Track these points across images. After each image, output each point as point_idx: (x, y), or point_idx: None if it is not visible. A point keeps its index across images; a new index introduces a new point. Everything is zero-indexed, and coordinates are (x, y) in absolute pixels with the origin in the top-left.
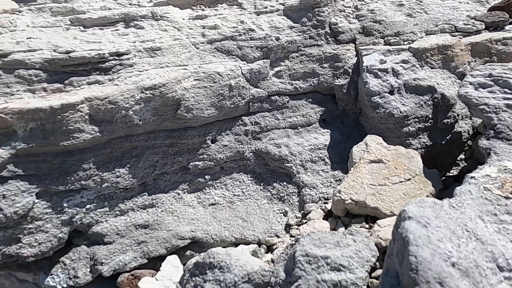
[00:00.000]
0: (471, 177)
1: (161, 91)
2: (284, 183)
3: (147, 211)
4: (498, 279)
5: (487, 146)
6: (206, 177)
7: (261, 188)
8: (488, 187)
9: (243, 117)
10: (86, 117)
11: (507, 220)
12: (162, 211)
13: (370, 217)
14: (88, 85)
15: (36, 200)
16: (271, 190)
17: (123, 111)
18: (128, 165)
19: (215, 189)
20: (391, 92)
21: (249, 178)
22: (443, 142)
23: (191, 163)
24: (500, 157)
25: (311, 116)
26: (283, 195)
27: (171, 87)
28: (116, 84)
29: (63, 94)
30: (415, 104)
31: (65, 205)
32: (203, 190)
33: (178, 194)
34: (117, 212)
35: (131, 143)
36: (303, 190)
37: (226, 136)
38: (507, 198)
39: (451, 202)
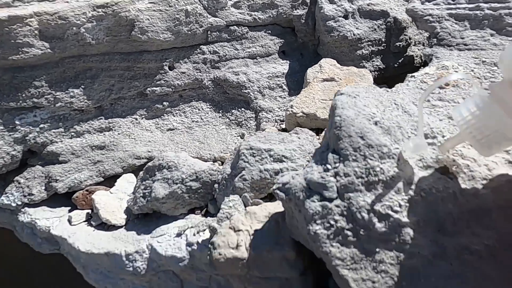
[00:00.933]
0: (411, 76)
1: (114, 9)
2: (242, 109)
3: (104, 134)
4: None
5: (430, 53)
6: (164, 103)
7: (220, 115)
8: (425, 80)
9: (201, 46)
10: (36, 32)
11: (439, 105)
12: (119, 134)
13: (321, 130)
14: (38, 2)
15: None
16: (230, 116)
17: (74, 28)
18: (82, 86)
19: (174, 116)
20: (346, 17)
21: (208, 106)
22: (396, 65)
23: (148, 89)
24: (440, 60)
25: (270, 47)
26: (241, 120)
27: (124, 6)
28: (67, 1)
29: (12, 9)
30: (369, 28)
31: (17, 122)
32: (162, 116)
33: (136, 119)
34: (73, 133)
35: (85, 64)
36: (260, 114)
37: (184, 64)
38: (440, 87)
39: (386, 89)
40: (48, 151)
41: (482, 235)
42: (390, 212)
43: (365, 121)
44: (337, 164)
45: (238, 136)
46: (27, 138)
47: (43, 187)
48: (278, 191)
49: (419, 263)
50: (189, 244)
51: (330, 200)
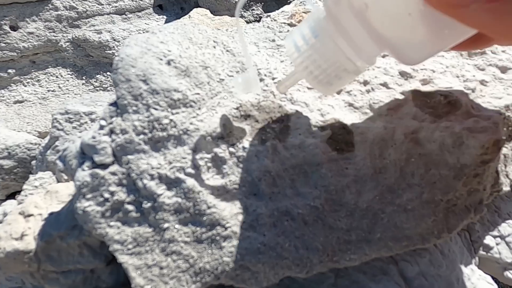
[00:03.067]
0: (267, 16)
1: None
2: (109, 73)
3: None
4: None
5: None
6: (10, 71)
7: (83, 82)
8: (276, 18)
9: (53, 1)
10: None
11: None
12: None
13: None
14: None
15: None
16: (94, 83)
17: None
18: None
19: (24, 86)
20: None
21: (69, 72)
22: None
23: None
24: None
25: (143, 1)
26: (106, 85)
27: None
28: None
29: None
30: None
31: None
32: (8, 87)
33: None
34: None
35: None
36: None
37: (33, 23)
38: (291, 25)
39: (214, 28)
40: None
41: (307, 195)
42: (182, 176)
43: (154, 60)
44: (113, 119)
45: None
46: None
47: None
48: (58, 161)
49: (221, 239)
50: None
51: (104, 166)
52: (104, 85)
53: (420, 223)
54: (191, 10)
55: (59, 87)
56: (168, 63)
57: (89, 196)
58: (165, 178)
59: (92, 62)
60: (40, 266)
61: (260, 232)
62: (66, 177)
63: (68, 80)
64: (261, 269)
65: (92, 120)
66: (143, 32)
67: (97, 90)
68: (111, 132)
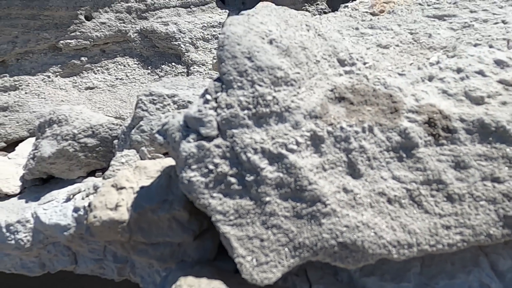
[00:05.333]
0: (344, 6)
1: None
2: (173, 63)
3: (8, 94)
4: (337, 72)
5: None
6: (83, 59)
7: (149, 71)
8: (356, 7)
9: None
10: None
11: (369, 33)
12: (26, 93)
13: None
14: None
15: None
16: (159, 72)
17: None
18: None
19: (95, 73)
20: None
21: (135, 62)
22: None
23: (62, 41)
24: None
25: None
26: (171, 76)
27: None
28: None
29: None
30: None
31: None
32: (80, 74)
33: (48, 77)
34: None
35: None
36: (191, 68)
37: (105, 13)
38: (373, 14)
39: (304, 13)
40: None
41: (403, 178)
42: (284, 151)
43: (257, 38)
44: (218, 94)
45: None
46: None
47: None
48: (157, 135)
49: (320, 215)
50: (75, 210)
51: (209, 138)
52: (168, 75)
53: None
54: (252, 4)
55: (127, 76)
56: (270, 42)
57: (194, 167)
58: (268, 153)
59: (157, 52)
60: (131, 236)
61: (358, 211)
62: (149, 156)
63: (134, 69)
64: (359, 248)
65: (175, 102)
66: (207, 25)
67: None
68: (217, 106)
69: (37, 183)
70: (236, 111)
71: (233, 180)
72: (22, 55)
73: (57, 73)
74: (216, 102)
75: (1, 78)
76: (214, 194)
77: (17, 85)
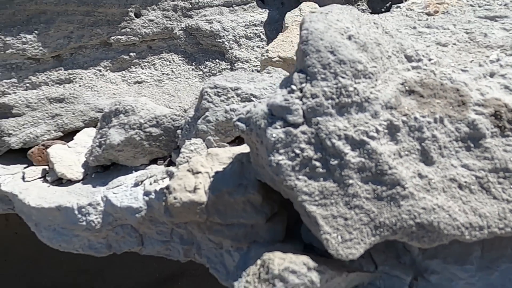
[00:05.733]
0: (397, 7)
1: None
2: (217, 60)
3: (63, 86)
4: (405, 67)
5: None
6: (132, 54)
7: (193, 68)
8: (411, 8)
9: None
10: None
11: (426, 32)
12: (80, 86)
13: None
14: None
15: None
16: (203, 69)
17: None
18: (36, 32)
19: (142, 69)
20: None
21: (180, 58)
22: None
23: (113, 37)
24: None
25: None
26: (215, 72)
27: None
28: None
29: None
30: None
31: None
32: (129, 68)
33: (100, 71)
34: (28, 85)
35: (38, 6)
36: (235, 64)
37: (153, 11)
38: (428, 14)
39: (366, 12)
40: (0, 103)
41: (471, 166)
42: (365, 138)
43: (337, 34)
44: (303, 84)
45: None
46: None
47: None
48: (238, 123)
49: (399, 198)
50: (146, 194)
51: (295, 125)
52: (213, 71)
53: None
54: (290, 4)
55: (172, 71)
56: (349, 38)
57: (282, 151)
58: (351, 139)
59: (201, 49)
60: (208, 217)
61: (433, 195)
62: (215, 144)
63: (179, 65)
64: (435, 228)
65: (238, 95)
66: (250, 24)
67: (206, 76)
68: (302, 96)
69: (99, 170)
70: (321, 100)
71: (317, 164)
72: (76, 50)
73: (108, 68)
74: (301, 92)
75: (56, 71)
76: (300, 177)
77: (71, 78)
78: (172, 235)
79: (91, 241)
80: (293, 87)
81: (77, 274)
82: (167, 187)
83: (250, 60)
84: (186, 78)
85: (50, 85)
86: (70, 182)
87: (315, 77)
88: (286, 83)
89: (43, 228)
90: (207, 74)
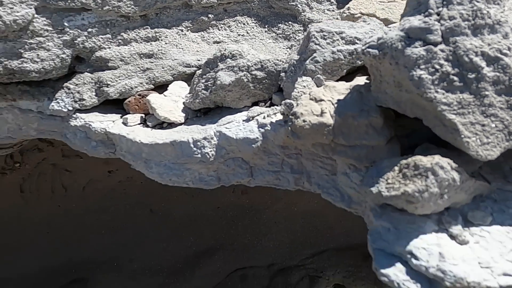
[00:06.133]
0: None
1: None
2: (290, 22)
3: (151, 44)
4: None
5: None
6: (210, 16)
7: (266, 30)
8: None
9: None
10: None
11: None
12: (166, 43)
13: None
14: None
15: (36, 15)
16: (276, 31)
17: None
18: None
19: (219, 30)
20: None
21: (253, 21)
22: None
23: None
24: None
25: None
26: (288, 33)
27: None
28: None
29: None
30: None
31: (66, 24)
32: (207, 29)
33: (182, 31)
34: (120, 40)
35: None
36: (309, 26)
37: None
38: None
39: None
40: (97, 56)
41: None
42: (499, 55)
43: None
44: (440, 9)
45: (287, 48)
46: (75, 41)
47: (94, 93)
48: (369, 49)
49: None
50: (261, 126)
51: (435, 44)
52: (286, 33)
53: None
54: None
55: (247, 33)
56: None
57: (422, 66)
58: (487, 55)
59: (273, 13)
60: (333, 139)
61: None
62: (324, 82)
63: (253, 27)
64: None
65: (343, 38)
66: None
67: (279, 37)
68: (440, 18)
69: (198, 115)
70: (459, 21)
71: (455, 78)
72: (160, 10)
73: (188, 28)
74: (439, 15)
75: (144, 29)
76: (439, 90)
77: (157, 37)
78: (283, 165)
79: (201, 174)
80: (431, 11)
81: (116, 247)
82: (294, 113)
83: (322, 21)
84: (260, 39)
85: (139, 42)
86: (170, 126)
87: (451, 2)
88: (418, 11)
89: (154, 164)
90: (280, 35)
